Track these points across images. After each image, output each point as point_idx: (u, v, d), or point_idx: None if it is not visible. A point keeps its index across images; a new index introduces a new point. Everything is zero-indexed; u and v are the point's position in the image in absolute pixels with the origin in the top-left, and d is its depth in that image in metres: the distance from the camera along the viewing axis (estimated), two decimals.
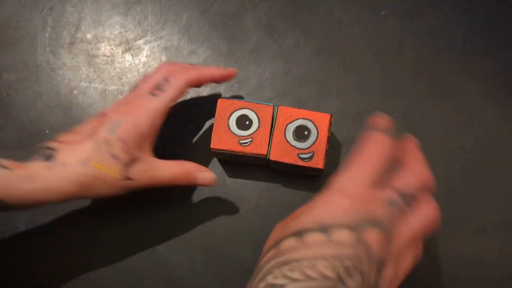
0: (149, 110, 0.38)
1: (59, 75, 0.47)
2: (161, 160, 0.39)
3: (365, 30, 0.47)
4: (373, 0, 0.48)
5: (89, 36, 0.48)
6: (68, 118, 0.46)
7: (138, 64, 0.47)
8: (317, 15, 0.48)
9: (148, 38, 0.48)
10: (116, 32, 0.48)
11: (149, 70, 0.47)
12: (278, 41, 0.47)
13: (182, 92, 0.39)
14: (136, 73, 0.47)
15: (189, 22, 0.48)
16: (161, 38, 0.48)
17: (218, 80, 0.42)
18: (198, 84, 0.42)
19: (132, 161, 0.37)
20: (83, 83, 0.47)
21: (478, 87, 0.46)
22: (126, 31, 0.48)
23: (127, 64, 0.47)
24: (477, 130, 0.45)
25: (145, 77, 0.41)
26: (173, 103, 0.39)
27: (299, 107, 0.41)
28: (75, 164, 0.35)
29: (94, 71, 0.47)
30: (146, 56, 0.47)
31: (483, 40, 0.47)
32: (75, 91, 0.47)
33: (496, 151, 0.44)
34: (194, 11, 0.48)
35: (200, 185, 0.40)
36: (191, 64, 0.44)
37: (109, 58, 0.48)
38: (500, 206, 0.43)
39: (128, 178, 0.37)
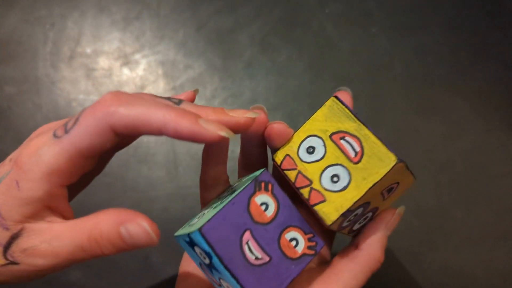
0: (42, 161, 0.24)
1: (59, 88, 0.49)
2: (63, 222, 0.25)
3: (356, 47, 0.49)
4: (363, 18, 0.50)
5: (88, 50, 0.50)
6: None
7: (136, 78, 0.49)
8: (309, 32, 0.50)
9: (146, 52, 0.49)
10: (115, 46, 0.50)
11: (146, 83, 0.49)
12: (271, 56, 0.49)
13: (100, 138, 0.24)
14: (133, 86, 0.49)
15: (185, 38, 0.50)
16: (158, 52, 0.49)
17: (178, 135, 0.24)
18: (133, 131, 0.24)
19: (12, 237, 0.25)
20: (81, 96, 0.49)
21: (465, 101, 0.47)
22: (124, 46, 0.50)
23: (124, 78, 0.49)
24: (464, 144, 0.46)
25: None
26: (90, 154, 0.25)
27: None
28: None
29: (93, 84, 0.49)
30: (143, 70, 0.49)
31: (469, 56, 0.48)
32: (73, 104, 0.48)
33: (482, 164, 0.45)
34: (190, 28, 0.50)
35: (133, 247, 0.24)
36: (167, 97, 0.27)
37: (107, 72, 0.49)
38: (487, 217, 0.43)
39: (12, 262, 0.25)
